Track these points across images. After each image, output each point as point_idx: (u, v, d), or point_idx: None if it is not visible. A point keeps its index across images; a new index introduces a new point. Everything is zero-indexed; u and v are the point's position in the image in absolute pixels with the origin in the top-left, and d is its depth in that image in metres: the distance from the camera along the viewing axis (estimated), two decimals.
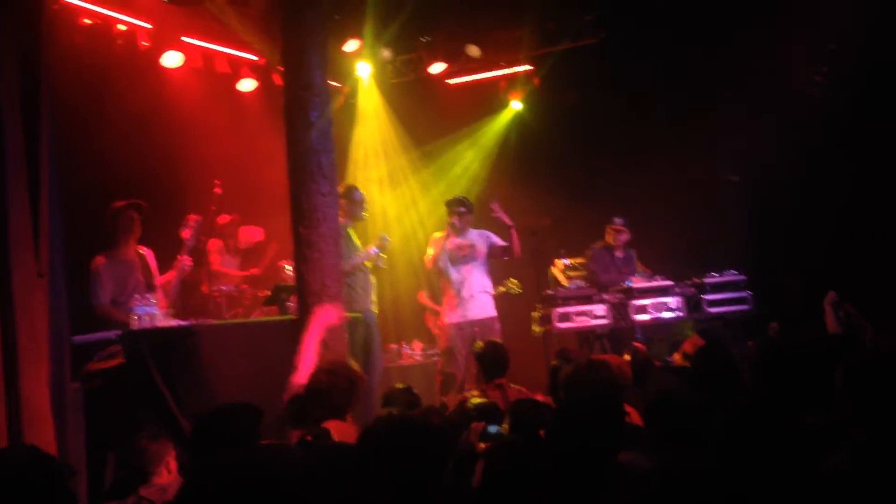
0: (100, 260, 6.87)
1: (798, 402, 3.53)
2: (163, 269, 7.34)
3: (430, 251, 8.75)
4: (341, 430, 4.34)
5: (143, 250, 7.14)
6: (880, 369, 3.07)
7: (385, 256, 8.33)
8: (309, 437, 4.28)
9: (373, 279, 8.20)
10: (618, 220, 9.76)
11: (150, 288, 6.92)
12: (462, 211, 8.69)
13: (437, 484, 3.12)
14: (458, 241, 8.67)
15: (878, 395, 2.99)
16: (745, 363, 4.72)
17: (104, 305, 6.74)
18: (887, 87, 9.63)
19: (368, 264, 8.13)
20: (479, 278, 8.66)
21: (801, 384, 3.92)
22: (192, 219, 7.34)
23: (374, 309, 8.16)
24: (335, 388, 4.67)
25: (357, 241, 8.19)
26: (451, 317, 8.60)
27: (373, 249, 8.11)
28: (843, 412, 3.12)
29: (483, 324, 8.50)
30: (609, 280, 9.57)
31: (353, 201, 8.18)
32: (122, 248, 6.97)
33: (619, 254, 9.81)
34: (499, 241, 8.84)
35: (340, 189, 8.22)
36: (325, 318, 5.69)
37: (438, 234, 8.86)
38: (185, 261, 7.25)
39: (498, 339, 7.37)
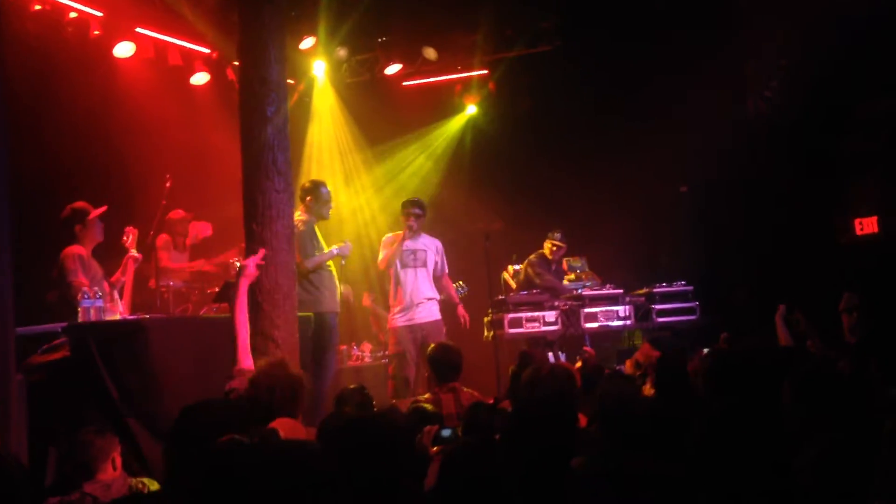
0: (79, 249, 6.80)
1: (754, 410, 3.57)
2: (108, 264, 7.25)
3: (383, 252, 8.69)
4: (290, 428, 4.27)
5: None
6: (826, 383, 3.13)
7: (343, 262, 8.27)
8: (256, 439, 4.21)
9: (336, 279, 8.12)
10: (557, 235, 9.95)
11: (112, 287, 6.92)
12: (418, 213, 8.62)
13: (400, 483, 3.09)
14: (411, 244, 8.63)
15: (825, 404, 3.05)
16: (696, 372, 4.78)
17: (84, 283, 6.54)
18: (832, 99, 9.83)
19: (330, 264, 8.04)
20: (427, 283, 8.65)
21: (753, 394, 3.96)
22: (129, 231, 7.25)
23: (338, 309, 8.09)
24: (278, 398, 4.60)
25: (322, 240, 8.10)
26: (399, 320, 8.56)
27: (335, 249, 8.03)
28: (792, 422, 3.17)
29: (431, 326, 8.49)
30: (555, 285, 9.68)
31: (319, 198, 8.06)
32: (87, 248, 6.92)
33: (553, 266, 10.03)
34: (442, 263, 8.80)
35: (306, 185, 8.16)
36: (247, 281, 5.62)
37: (391, 235, 8.81)
38: (135, 256, 7.16)
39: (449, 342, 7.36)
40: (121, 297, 7.00)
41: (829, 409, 3.03)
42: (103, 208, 6.95)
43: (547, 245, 10.02)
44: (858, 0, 8.90)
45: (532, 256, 10.07)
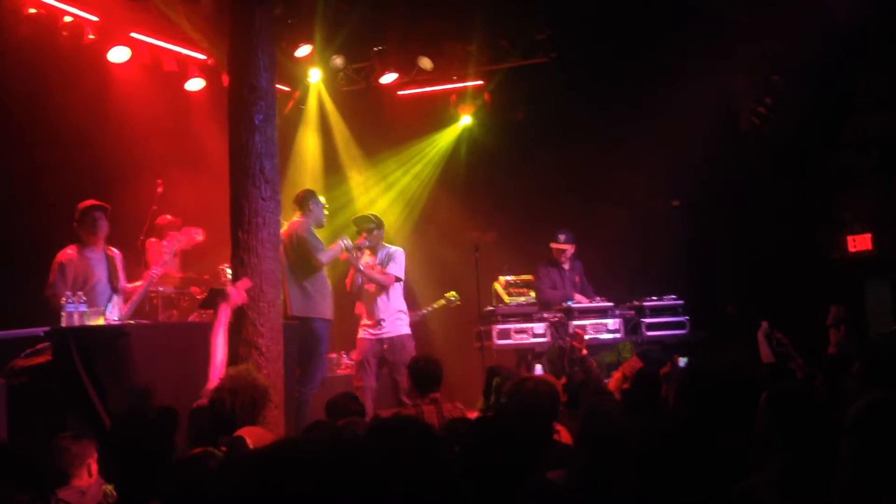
0: (67, 253, 6.83)
1: (717, 426, 3.56)
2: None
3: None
4: (257, 436, 4.26)
5: (113, 252, 7.11)
6: (801, 401, 3.12)
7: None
8: (224, 448, 4.21)
9: (330, 287, 8.11)
10: (561, 237, 9.73)
11: (114, 290, 6.94)
12: (371, 227, 8.45)
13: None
14: (369, 260, 8.51)
15: (797, 425, 3.04)
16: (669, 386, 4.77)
17: (58, 298, 6.51)
18: (824, 115, 9.85)
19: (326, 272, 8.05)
20: (392, 297, 8.43)
21: (722, 409, 3.95)
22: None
23: (330, 317, 8.06)
24: (238, 408, 4.59)
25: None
26: (364, 333, 8.44)
27: (342, 242, 8.09)
28: (762, 438, 3.17)
29: (394, 341, 8.32)
30: (557, 297, 9.59)
31: (318, 204, 8.15)
32: (88, 246, 6.94)
33: (566, 266, 9.84)
34: (395, 269, 8.48)
35: (302, 193, 8.18)
36: (229, 307, 5.71)
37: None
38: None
39: (416, 354, 7.39)
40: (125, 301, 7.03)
41: (794, 428, 3.01)
42: (89, 202, 6.94)
43: (552, 249, 9.82)
44: (851, 16, 8.91)
45: (542, 263, 9.89)
